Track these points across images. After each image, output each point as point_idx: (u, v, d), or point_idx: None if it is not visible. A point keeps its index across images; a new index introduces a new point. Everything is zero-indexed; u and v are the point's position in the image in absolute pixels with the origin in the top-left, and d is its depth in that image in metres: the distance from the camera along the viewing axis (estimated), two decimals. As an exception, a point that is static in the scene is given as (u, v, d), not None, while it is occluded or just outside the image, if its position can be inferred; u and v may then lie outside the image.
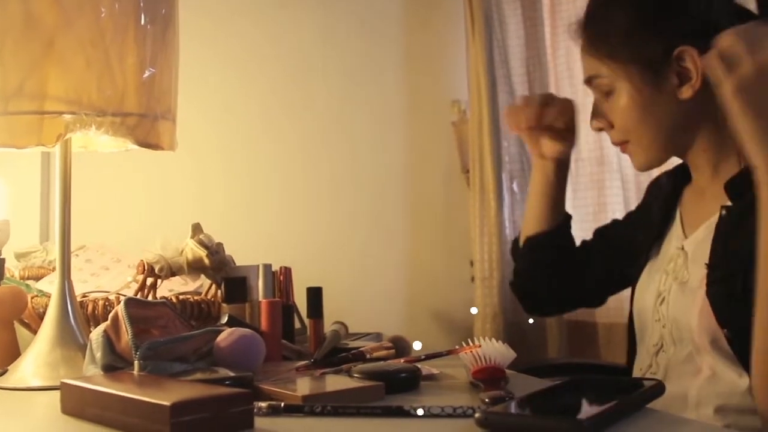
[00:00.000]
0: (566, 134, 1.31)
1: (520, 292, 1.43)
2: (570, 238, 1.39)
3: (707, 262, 1.02)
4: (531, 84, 2.15)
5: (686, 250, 1.10)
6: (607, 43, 1.10)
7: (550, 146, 1.32)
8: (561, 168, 1.34)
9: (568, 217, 1.39)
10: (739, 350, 0.96)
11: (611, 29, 1.11)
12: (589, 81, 1.15)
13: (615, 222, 1.41)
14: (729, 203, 1.04)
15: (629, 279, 1.23)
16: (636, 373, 1.16)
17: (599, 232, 1.39)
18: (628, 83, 1.09)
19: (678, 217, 1.16)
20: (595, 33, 1.13)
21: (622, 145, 1.14)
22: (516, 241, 1.44)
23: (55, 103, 1.01)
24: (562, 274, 1.36)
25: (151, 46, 1.07)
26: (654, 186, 1.32)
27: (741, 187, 1.02)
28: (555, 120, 1.29)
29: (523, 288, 1.43)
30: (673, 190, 1.19)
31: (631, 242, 1.26)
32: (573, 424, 0.67)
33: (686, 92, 1.06)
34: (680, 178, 1.19)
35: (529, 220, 1.39)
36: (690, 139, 1.10)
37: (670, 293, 1.09)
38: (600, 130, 1.16)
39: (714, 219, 1.05)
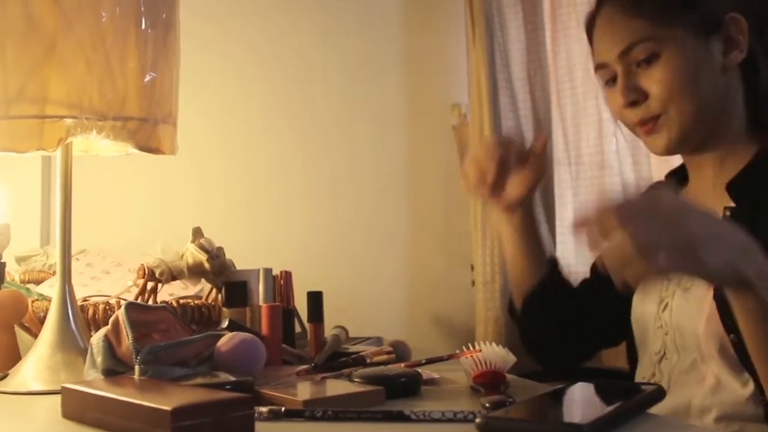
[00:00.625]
0: (536, 166, 1.20)
1: (534, 351, 1.32)
2: (565, 281, 1.29)
3: None
4: (532, 88, 2.15)
5: None
6: (659, 5, 1.06)
7: (517, 185, 1.19)
8: (528, 212, 1.24)
9: (555, 261, 1.29)
10: (746, 356, 0.95)
11: None
12: (627, 50, 1.07)
13: None
14: (732, 204, 1.03)
15: None
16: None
17: (595, 264, 1.29)
18: (678, 48, 1.04)
19: None
20: None
21: (653, 121, 1.07)
22: (510, 306, 1.34)
23: (56, 107, 1.01)
24: (571, 319, 1.26)
25: (152, 50, 1.07)
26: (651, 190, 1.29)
27: (743, 188, 1.01)
28: (522, 153, 1.18)
29: (535, 346, 1.32)
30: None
31: None
32: (574, 428, 0.67)
33: (734, 60, 1.04)
34: (677, 181, 1.16)
35: (517, 281, 1.28)
36: (719, 124, 1.07)
37: (674, 300, 1.08)
38: (634, 104, 1.08)
39: None
